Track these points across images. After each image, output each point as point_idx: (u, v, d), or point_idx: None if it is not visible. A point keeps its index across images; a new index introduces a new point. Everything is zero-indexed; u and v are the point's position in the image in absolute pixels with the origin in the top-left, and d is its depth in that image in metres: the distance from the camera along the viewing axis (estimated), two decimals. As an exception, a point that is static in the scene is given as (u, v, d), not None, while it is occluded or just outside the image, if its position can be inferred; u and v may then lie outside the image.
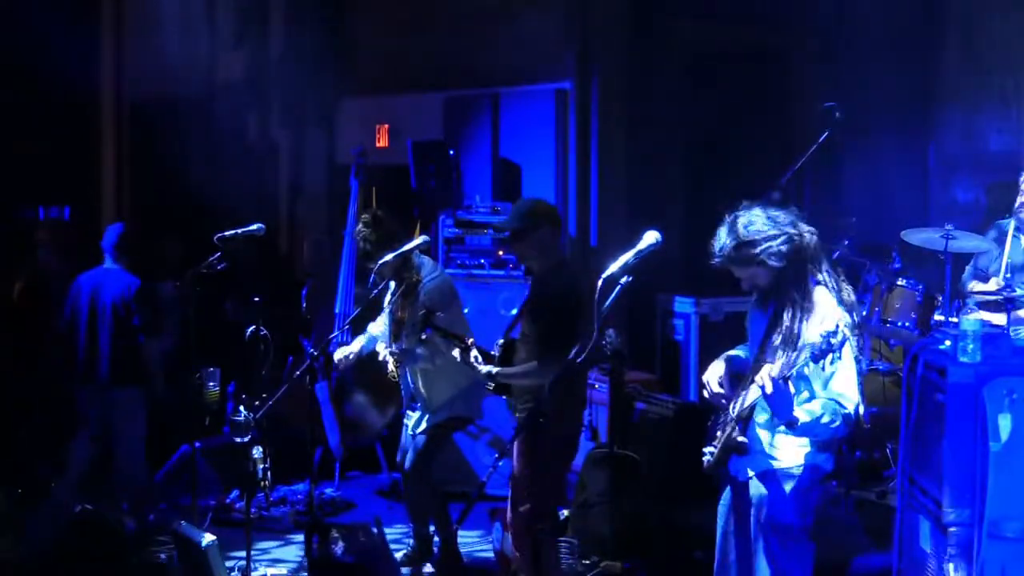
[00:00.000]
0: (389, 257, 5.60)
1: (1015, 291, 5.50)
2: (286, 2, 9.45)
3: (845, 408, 3.89)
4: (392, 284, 5.83)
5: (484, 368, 5.13)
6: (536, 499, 5.04)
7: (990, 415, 4.11)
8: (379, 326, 6.07)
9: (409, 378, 5.83)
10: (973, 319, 4.28)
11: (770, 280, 4.07)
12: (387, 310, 5.89)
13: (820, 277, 4.04)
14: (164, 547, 5.96)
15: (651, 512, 5.87)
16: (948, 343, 4.40)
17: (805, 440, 4.01)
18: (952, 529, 4.20)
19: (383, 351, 5.80)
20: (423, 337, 5.40)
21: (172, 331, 7.50)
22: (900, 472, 4.59)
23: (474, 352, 5.19)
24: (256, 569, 5.72)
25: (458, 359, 5.24)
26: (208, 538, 4.82)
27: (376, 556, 2.91)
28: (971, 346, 4.21)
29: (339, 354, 6.07)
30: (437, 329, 5.37)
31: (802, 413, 3.85)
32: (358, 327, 6.86)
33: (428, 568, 5.91)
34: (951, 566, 4.21)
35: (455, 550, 5.82)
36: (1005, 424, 4.11)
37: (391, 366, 5.75)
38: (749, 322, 4.29)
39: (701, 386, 4.27)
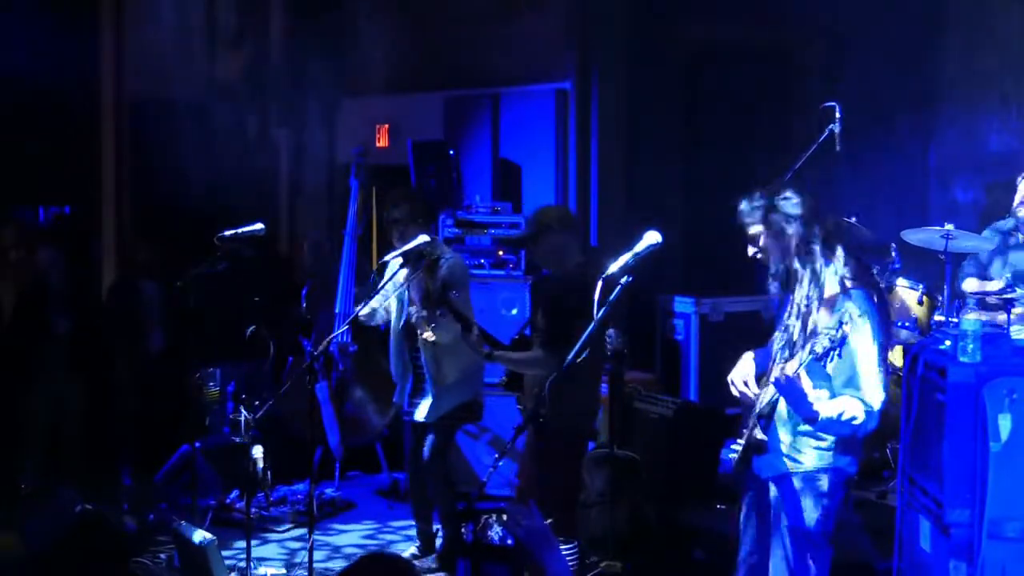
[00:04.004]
0: (392, 255, 5.69)
1: (1015, 291, 5.51)
2: (286, 2, 9.45)
3: (869, 405, 3.85)
4: (396, 266, 5.81)
5: (484, 349, 5.21)
6: (542, 498, 5.05)
7: (990, 415, 4.11)
8: (378, 301, 6.04)
9: (421, 355, 5.85)
10: (973, 319, 4.28)
11: (778, 251, 4.05)
12: (404, 285, 5.87)
13: (834, 263, 4.00)
14: (164, 547, 5.98)
15: (651, 512, 5.87)
16: (948, 343, 4.40)
17: (828, 442, 3.97)
18: (952, 529, 4.20)
19: (414, 314, 5.75)
20: (438, 314, 5.44)
21: (156, 330, 7.54)
22: (900, 472, 4.59)
23: (475, 332, 5.25)
24: (256, 569, 5.73)
25: (460, 338, 5.30)
26: (207, 537, 4.82)
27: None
28: (971, 346, 4.21)
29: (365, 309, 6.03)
30: (450, 307, 5.41)
31: (823, 408, 3.80)
32: (358, 327, 6.86)
33: (430, 563, 5.93)
34: (951, 566, 4.21)
35: (462, 543, 5.83)
36: (1005, 424, 4.11)
37: (425, 331, 5.71)
38: (777, 312, 4.26)
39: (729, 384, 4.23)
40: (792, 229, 4.01)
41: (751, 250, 4.14)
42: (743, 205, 4.12)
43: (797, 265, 4.02)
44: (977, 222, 6.66)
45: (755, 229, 4.10)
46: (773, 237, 4.05)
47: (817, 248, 4.00)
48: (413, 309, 5.78)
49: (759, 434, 3.99)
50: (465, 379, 5.84)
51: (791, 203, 4.04)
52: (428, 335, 5.58)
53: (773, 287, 4.12)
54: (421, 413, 5.89)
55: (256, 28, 9.38)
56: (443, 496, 5.95)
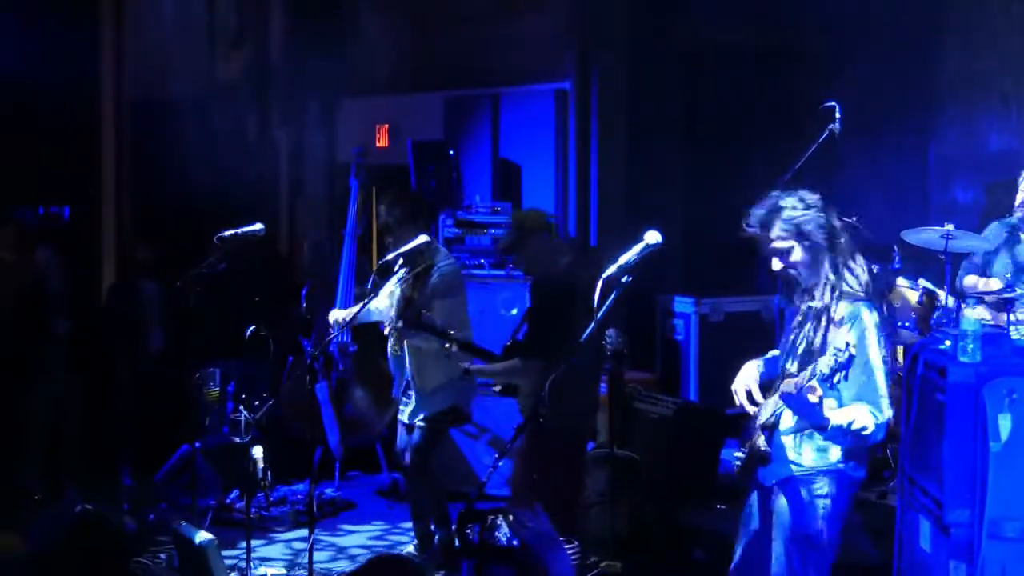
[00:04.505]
0: (392, 256, 5.69)
1: (1015, 291, 5.50)
2: (286, 2, 9.45)
3: (879, 416, 3.80)
4: (397, 266, 5.84)
5: (462, 364, 5.20)
6: (541, 498, 5.05)
7: (990, 415, 4.11)
8: (381, 301, 6.07)
9: (406, 360, 5.86)
10: (973, 318, 4.27)
11: (806, 265, 3.93)
12: (396, 288, 5.90)
13: (851, 280, 3.92)
14: (164, 547, 5.97)
15: (651, 512, 5.87)
16: (948, 343, 4.40)
17: (830, 446, 3.93)
18: (952, 529, 4.20)
19: (388, 327, 5.82)
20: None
21: (156, 330, 7.55)
22: (900, 472, 4.59)
23: (454, 347, 5.23)
24: (256, 569, 5.73)
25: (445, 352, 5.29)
26: (207, 538, 4.81)
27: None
28: (971, 346, 4.20)
29: (333, 316, 6.15)
30: (429, 328, 5.41)
31: (833, 416, 3.75)
32: (358, 327, 6.86)
33: (427, 562, 5.93)
34: (951, 566, 4.20)
35: (454, 546, 5.83)
36: (1005, 424, 4.11)
37: (393, 342, 5.77)
38: (785, 320, 4.21)
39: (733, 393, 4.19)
40: (828, 243, 3.90)
41: (777, 265, 3.97)
42: (768, 217, 3.94)
43: (821, 281, 3.91)
44: (977, 222, 6.66)
45: (784, 244, 3.93)
46: (807, 252, 3.92)
47: (839, 259, 3.92)
48: (389, 318, 5.79)
49: (763, 445, 3.96)
50: (449, 385, 5.79)
51: (824, 215, 3.92)
52: (393, 348, 5.63)
53: (799, 299, 3.99)
54: (405, 414, 5.92)
55: (256, 28, 9.38)
56: (430, 498, 5.92)
